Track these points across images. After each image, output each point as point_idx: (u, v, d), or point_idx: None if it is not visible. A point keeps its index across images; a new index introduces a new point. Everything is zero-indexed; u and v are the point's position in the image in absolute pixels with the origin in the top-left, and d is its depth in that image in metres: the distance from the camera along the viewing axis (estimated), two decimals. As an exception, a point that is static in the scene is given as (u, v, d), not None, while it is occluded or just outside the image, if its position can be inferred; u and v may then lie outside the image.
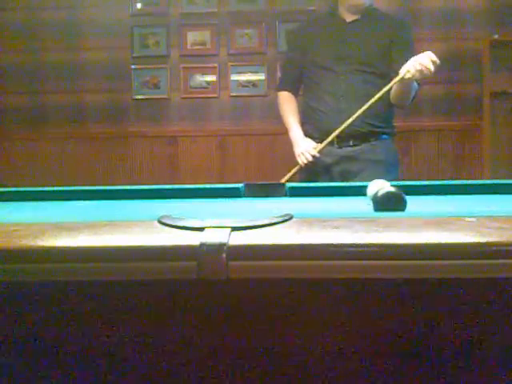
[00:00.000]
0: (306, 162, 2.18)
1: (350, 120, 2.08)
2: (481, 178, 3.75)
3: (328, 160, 2.19)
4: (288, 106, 2.36)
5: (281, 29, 4.06)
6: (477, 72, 3.92)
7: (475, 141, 3.99)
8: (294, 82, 2.38)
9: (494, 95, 3.85)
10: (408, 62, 2.02)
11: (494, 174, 3.87)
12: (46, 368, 0.67)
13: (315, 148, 2.17)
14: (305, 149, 2.19)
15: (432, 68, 2.00)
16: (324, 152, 2.17)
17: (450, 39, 3.97)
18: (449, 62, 3.97)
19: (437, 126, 4.05)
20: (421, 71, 2.00)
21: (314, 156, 2.16)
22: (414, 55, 2.09)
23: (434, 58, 2.02)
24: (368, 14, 2.24)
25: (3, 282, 0.65)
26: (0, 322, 0.66)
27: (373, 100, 2.08)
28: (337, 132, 2.11)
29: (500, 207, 1.15)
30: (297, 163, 2.25)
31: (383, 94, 2.09)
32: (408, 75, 2.01)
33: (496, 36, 3.83)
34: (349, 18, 2.24)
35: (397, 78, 2.05)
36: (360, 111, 2.07)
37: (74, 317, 0.66)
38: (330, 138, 2.13)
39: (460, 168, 4.04)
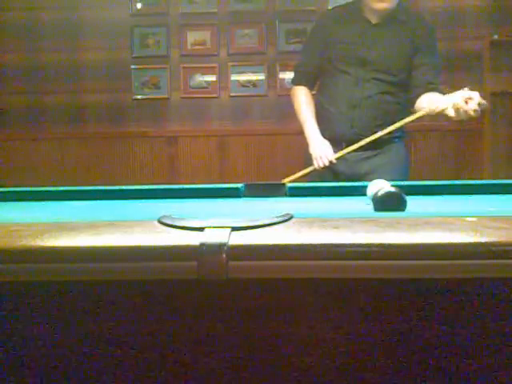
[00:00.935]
0: (322, 166, 2.09)
1: (375, 136, 2.02)
2: (481, 178, 3.75)
3: (337, 164, 2.11)
4: (305, 100, 2.25)
5: (281, 29, 4.07)
6: (477, 72, 3.92)
7: (475, 141, 3.99)
8: (311, 78, 2.28)
9: (494, 95, 3.85)
10: (456, 96, 1.81)
11: (494, 174, 3.87)
12: (45, 368, 0.67)
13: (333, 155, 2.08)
14: (325, 154, 2.08)
15: (478, 115, 1.80)
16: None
17: (450, 39, 3.97)
18: (449, 62, 3.97)
19: (437, 126, 4.05)
20: (465, 113, 1.80)
21: (331, 162, 2.08)
22: (437, 62, 2.09)
23: (483, 102, 1.81)
24: (394, 18, 2.11)
25: (3, 282, 0.65)
26: (0, 321, 0.66)
27: (402, 122, 2.01)
28: (359, 144, 2.04)
29: (500, 207, 1.15)
30: (307, 163, 2.18)
31: (413, 119, 2.00)
32: (451, 113, 1.83)
33: (496, 36, 3.83)
34: (374, 19, 2.12)
35: (438, 109, 1.88)
36: (387, 130, 2.01)
37: (74, 317, 0.66)
38: (351, 148, 2.05)
39: (460, 168, 4.04)
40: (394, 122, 2.05)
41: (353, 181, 1.94)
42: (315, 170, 2.11)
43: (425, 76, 2.10)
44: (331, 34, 2.17)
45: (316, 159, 2.11)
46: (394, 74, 2.11)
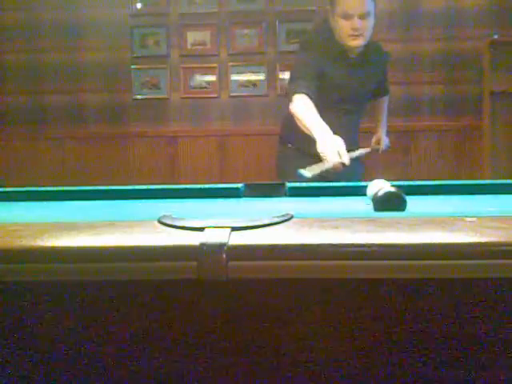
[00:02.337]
0: (337, 164, 1.87)
1: (358, 153, 2.23)
2: (481, 178, 3.75)
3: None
4: (310, 106, 2.05)
5: (281, 29, 4.06)
6: (477, 72, 3.92)
7: (475, 141, 3.99)
8: (312, 87, 2.12)
9: (494, 95, 3.85)
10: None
11: (494, 174, 3.87)
12: (46, 368, 0.67)
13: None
14: (343, 152, 1.86)
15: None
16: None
17: (450, 39, 3.97)
18: (449, 62, 3.97)
19: (437, 126, 4.05)
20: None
21: (344, 164, 1.89)
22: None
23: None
24: (368, 53, 2.22)
25: (3, 281, 0.65)
26: (0, 321, 0.66)
27: (367, 149, 2.41)
28: (355, 155, 2.15)
29: (500, 207, 1.15)
30: (281, 168, 2.29)
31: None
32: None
33: (496, 36, 3.83)
34: (350, 52, 2.20)
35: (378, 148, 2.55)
36: (364, 151, 2.33)
37: (73, 317, 0.66)
38: (355, 154, 2.14)
39: (460, 168, 4.04)
40: (356, 134, 2.37)
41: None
42: (332, 168, 1.88)
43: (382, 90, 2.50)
44: (320, 63, 2.17)
45: (334, 154, 1.86)
46: (363, 104, 2.37)
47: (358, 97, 2.30)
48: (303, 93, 2.08)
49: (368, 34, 2.14)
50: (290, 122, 2.19)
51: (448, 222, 0.68)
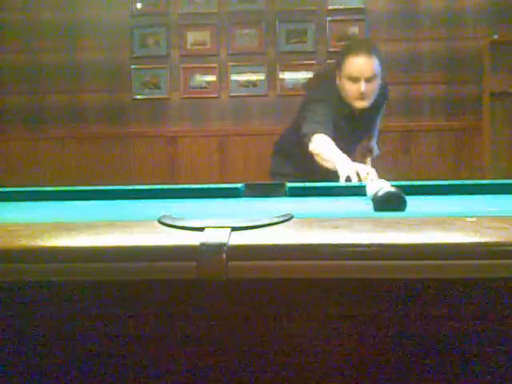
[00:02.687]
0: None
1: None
2: (481, 178, 3.76)
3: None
4: (330, 142, 2.02)
5: (281, 29, 4.07)
6: (477, 72, 3.92)
7: (475, 141, 4.00)
8: (329, 126, 2.10)
9: (494, 95, 3.86)
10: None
11: (494, 174, 3.88)
12: (45, 368, 0.67)
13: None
14: (359, 168, 1.81)
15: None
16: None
17: (450, 39, 3.98)
18: (449, 62, 3.98)
19: (437, 126, 4.05)
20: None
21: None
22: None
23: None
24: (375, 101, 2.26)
25: (3, 281, 0.65)
26: (0, 321, 0.67)
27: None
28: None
29: (500, 207, 1.15)
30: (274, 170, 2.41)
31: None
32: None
33: (496, 36, 3.84)
34: (356, 110, 2.22)
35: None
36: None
37: (73, 317, 0.66)
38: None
39: (460, 168, 4.05)
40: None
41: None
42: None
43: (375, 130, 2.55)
44: (331, 113, 2.17)
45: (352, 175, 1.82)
46: (367, 135, 2.49)
47: (364, 136, 2.46)
48: (322, 133, 2.05)
49: (374, 95, 2.19)
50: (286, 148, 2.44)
51: (448, 222, 0.68)
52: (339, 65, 2.21)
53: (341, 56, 2.22)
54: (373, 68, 2.14)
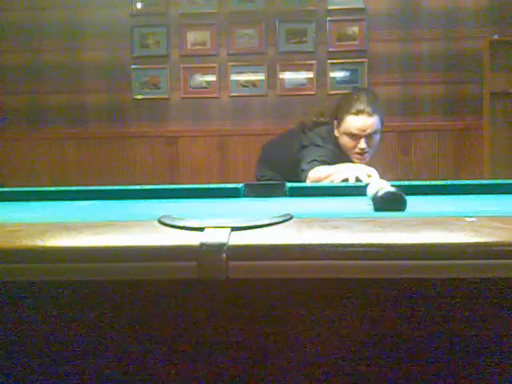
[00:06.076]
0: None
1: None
2: (481, 178, 3.76)
3: None
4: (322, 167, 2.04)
5: (281, 29, 4.07)
6: (477, 72, 3.92)
7: (475, 141, 4.00)
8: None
9: (494, 95, 3.86)
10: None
11: (494, 174, 3.88)
12: (45, 368, 0.67)
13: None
14: (358, 169, 1.82)
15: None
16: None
17: (450, 39, 3.98)
18: (449, 62, 3.98)
19: (437, 126, 4.05)
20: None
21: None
22: None
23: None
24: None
25: (3, 281, 0.65)
26: (0, 321, 0.67)
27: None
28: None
29: (500, 207, 1.15)
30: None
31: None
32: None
33: (496, 36, 3.84)
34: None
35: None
36: None
37: (73, 317, 0.66)
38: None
39: (460, 168, 4.05)
40: None
41: None
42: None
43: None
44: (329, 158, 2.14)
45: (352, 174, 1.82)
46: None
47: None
48: (317, 165, 2.04)
49: (374, 149, 2.13)
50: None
51: (448, 222, 0.68)
52: (338, 120, 2.13)
53: (340, 112, 2.13)
54: (374, 126, 2.08)
